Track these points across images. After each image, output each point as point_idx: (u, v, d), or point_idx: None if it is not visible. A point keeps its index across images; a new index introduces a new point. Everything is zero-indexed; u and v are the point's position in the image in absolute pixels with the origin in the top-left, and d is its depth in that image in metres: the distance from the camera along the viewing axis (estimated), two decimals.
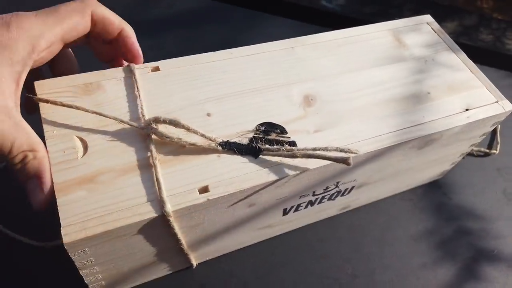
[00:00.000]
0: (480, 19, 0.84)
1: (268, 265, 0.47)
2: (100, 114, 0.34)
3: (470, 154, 0.60)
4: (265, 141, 0.36)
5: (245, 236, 0.44)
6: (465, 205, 0.55)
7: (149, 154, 0.33)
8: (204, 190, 0.33)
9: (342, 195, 0.45)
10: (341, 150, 0.35)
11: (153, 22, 0.71)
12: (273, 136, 0.37)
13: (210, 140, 0.35)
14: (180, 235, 0.35)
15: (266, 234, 0.47)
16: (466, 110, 0.42)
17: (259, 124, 0.37)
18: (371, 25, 0.48)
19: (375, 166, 0.41)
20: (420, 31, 0.48)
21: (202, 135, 0.34)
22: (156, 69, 0.39)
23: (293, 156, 0.34)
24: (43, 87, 0.36)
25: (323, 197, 0.43)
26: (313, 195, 0.41)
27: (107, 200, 0.31)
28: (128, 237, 0.32)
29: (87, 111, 0.34)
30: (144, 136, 0.34)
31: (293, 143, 0.36)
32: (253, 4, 0.75)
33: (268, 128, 0.37)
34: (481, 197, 0.56)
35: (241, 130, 0.37)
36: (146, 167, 0.33)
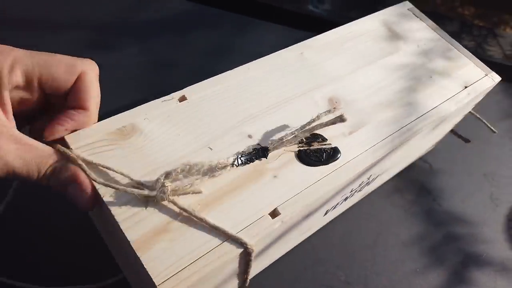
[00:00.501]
0: (461, 25, 0.87)
1: (260, 272, 0.47)
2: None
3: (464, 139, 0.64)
4: (311, 152, 0.37)
5: (288, 245, 0.45)
6: (453, 210, 0.58)
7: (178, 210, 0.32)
8: (274, 214, 0.33)
9: (368, 184, 0.47)
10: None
11: (143, 28, 0.69)
12: (316, 145, 0.38)
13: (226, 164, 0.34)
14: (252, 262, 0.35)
15: (303, 238, 0.48)
16: (465, 87, 0.46)
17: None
18: (363, 19, 0.50)
19: (401, 153, 0.44)
20: (405, 18, 0.51)
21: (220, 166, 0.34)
22: (183, 98, 0.38)
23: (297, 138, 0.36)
24: (76, 141, 0.33)
25: (355, 191, 0.45)
26: (350, 191, 0.43)
27: (188, 246, 0.30)
28: (214, 277, 0.32)
29: None
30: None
31: (336, 150, 0.38)
32: (242, 10, 0.74)
33: (310, 138, 0.38)
34: (469, 202, 0.59)
35: (285, 145, 0.37)
36: (214, 201, 0.33)
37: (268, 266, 0.47)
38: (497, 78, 0.48)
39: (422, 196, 0.59)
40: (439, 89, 0.45)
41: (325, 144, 0.38)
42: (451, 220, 0.57)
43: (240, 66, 0.42)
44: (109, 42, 0.67)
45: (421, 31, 0.51)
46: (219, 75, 0.40)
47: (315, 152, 0.37)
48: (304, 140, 0.37)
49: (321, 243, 0.51)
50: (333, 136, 0.39)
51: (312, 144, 0.37)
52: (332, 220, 0.52)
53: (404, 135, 0.40)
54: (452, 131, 0.60)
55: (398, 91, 0.44)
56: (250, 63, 0.42)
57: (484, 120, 0.67)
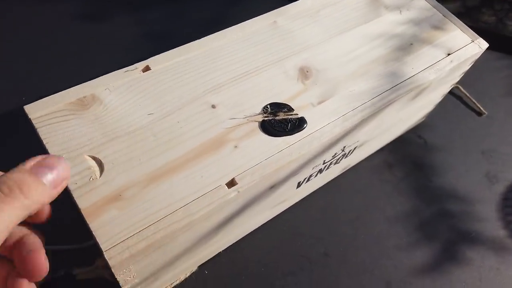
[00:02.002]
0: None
1: (235, 243, 0.47)
2: None
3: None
4: (275, 122, 0.36)
5: (261, 216, 0.45)
6: (446, 187, 0.56)
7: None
8: (231, 184, 0.33)
9: (346, 157, 0.46)
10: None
11: None
12: (281, 115, 0.37)
13: None
14: (214, 228, 0.35)
15: (278, 210, 0.48)
16: (448, 54, 0.44)
17: (265, 106, 0.37)
18: None
19: (375, 123, 0.43)
20: None
21: None
22: (147, 68, 0.38)
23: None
24: (35, 110, 0.33)
25: (330, 163, 0.44)
26: (323, 163, 0.42)
27: (140, 213, 0.30)
28: (168, 244, 0.32)
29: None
30: None
31: (302, 119, 0.37)
32: None
33: (275, 108, 0.37)
34: (463, 180, 0.57)
35: (250, 114, 0.36)
36: (171, 171, 0.32)
37: (243, 238, 0.47)
38: (484, 45, 0.45)
39: (413, 172, 0.57)
40: (418, 57, 0.43)
41: (291, 115, 0.37)
42: (442, 197, 0.55)
43: (208, 36, 0.41)
44: (101, 12, 0.67)
45: None
46: (185, 45, 0.40)
47: (280, 122, 0.36)
48: (269, 109, 0.37)
49: (301, 216, 0.50)
50: (300, 106, 0.38)
51: (278, 114, 0.37)
52: (314, 193, 0.51)
53: (376, 105, 0.39)
54: (463, 102, 0.58)
55: (373, 59, 0.42)
56: (218, 32, 0.41)
57: (473, 99, 0.64)
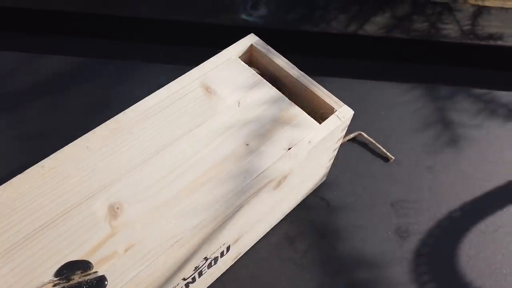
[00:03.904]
0: (413, 6, 0.78)
1: None
2: None
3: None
4: None
5: None
6: (352, 254, 0.51)
7: None
8: None
9: (222, 256, 0.42)
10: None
11: (15, 94, 0.65)
12: (75, 279, 0.32)
13: None
14: None
15: None
16: (289, 149, 0.39)
17: (58, 270, 0.32)
18: (182, 77, 0.44)
19: (238, 224, 0.38)
20: (229, 68, 0.45)
21: None
22: None
23: None
24: None
25: (200, 273, 0.40)
26: (184, 279, 0.38)
27: None
28: None
29: None
30: None
31: (102, 279, 0.32)
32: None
33: (69, 271, 0.32)
34: (371, 241, 0.52)
35: (37, 286, 0.31)
36: None
37: None
38: (348, 113, 0.41)
39: (315, 242, 0.53)
40: (254, 159, 0.38)
41: (88, 274, 0.32)
42: (348, 266, 0.51)
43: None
44: None
45: (245, 82, 0.43)
46: None
47: None
48: (63, 273, 0.32)
49: None
50: (105, 257, 0.33)
51: (72, 278, 0.32)
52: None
53: (217, 219, 0.35)
54: (369, 148, 0.54)
55: (201, 172, 0.37)
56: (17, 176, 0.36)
57: (378, 145, 0.60)
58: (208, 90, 0.43)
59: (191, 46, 0.72)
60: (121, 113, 0.41)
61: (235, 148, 0.39)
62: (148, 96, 0.42)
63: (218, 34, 0.71)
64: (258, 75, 0.44)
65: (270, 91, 0.43)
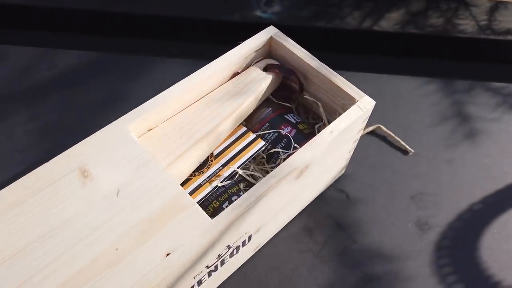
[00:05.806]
0: (428, 2, 0.77)
1: None
2: None
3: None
4: None
5: None
6: (372, 246, 0.51)
7: None
8: None
9: (244, 245, 0.42)
10: None
11: (33, 89, 0.65)
12: None
13: None
14: None
15: None
16: (167, 255, 0.33)
17: None
18: (53, 160, 0.38)
19: (260, 213, 0.38)
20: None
21: None
22: None
23: None
24: None
25: (222, 262, 0.40)
26: (207, 267, 0.38)
27: None
28: None
29: None
30: None
31: None
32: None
33: None
34: (390, 233, 0.52)
35: None
36: None
37: None
38: (369, 103, 0.42)
39: (335, 234, 0.52)
40: (125, 268, 0.32)
41: None
42: (367, 259, 0.51)
43: None
44: None
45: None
46: None
47: None
48: None
49: None
50: None
51: None
52: (227, 281, 0.47)
53: (235, 211, 0.34)
54: (388, 141, 0.54)
55: None
56: None
57: (397, 137, 0.59)
58: (83, 173, 0.37)
59: (209, 43, 0.72)
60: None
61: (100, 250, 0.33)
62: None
63: (232, 30, 0.71)
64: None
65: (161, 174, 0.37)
